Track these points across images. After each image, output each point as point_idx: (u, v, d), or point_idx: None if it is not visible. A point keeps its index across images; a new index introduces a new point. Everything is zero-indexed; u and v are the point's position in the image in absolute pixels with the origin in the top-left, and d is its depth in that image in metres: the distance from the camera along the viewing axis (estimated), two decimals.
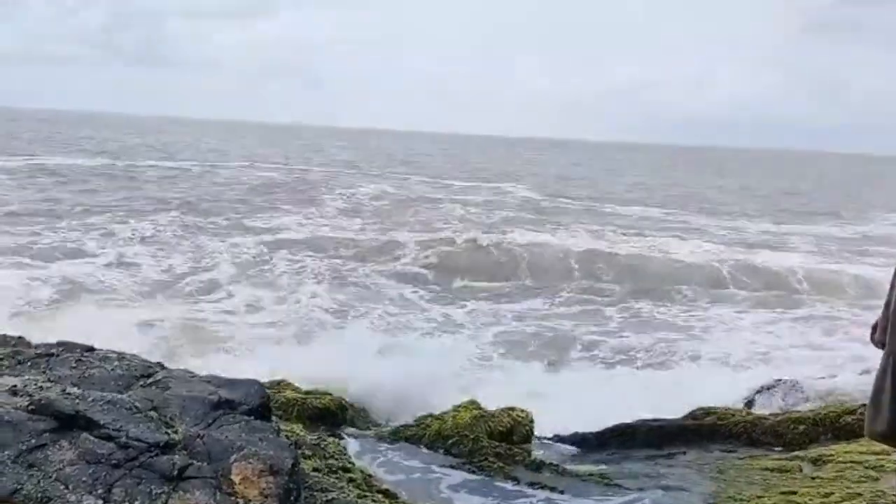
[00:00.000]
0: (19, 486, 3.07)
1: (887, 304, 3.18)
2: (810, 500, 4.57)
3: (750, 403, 7.90)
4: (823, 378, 8.51)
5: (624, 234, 23.78)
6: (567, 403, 7.58)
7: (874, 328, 3.26)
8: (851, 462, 5.15)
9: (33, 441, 3.29)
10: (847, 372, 8.78)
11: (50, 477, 3.15)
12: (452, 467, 5.20)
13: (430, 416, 5.89)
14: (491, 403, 6.02)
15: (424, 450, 5.55)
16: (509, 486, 4.98)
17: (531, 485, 4.98)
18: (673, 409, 6.84)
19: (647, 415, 6.71)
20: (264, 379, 5.31)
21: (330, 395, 6.13)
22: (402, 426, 5.93)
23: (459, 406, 5.90)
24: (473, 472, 5.13)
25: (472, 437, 5.47)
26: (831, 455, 5.34)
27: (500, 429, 5.62)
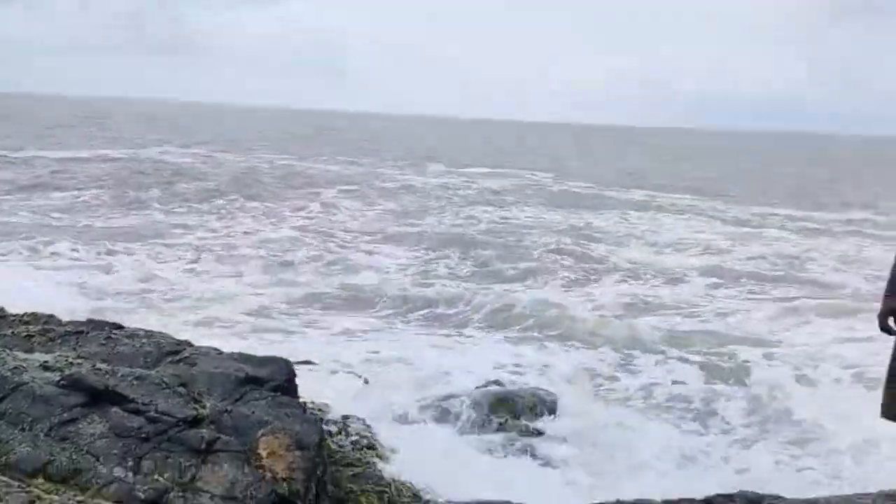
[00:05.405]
0: (52, 458, 3.13)
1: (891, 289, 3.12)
2: None
3: None
4: None
5: None
6: None
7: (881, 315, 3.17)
8: None
9: (65, 415, 3.35)
10: None
11: (81, 450, 3.21)
12: None
13: None
14: None
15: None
16: None
17: None
18: None
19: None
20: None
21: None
22: None
23: None
24: None
25: None
26: None
27: None
